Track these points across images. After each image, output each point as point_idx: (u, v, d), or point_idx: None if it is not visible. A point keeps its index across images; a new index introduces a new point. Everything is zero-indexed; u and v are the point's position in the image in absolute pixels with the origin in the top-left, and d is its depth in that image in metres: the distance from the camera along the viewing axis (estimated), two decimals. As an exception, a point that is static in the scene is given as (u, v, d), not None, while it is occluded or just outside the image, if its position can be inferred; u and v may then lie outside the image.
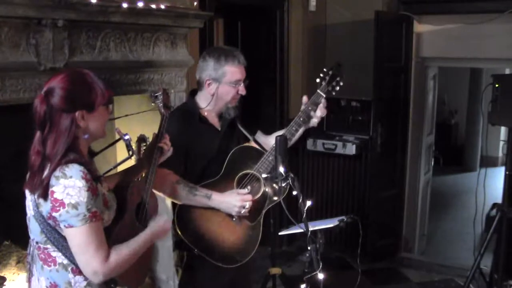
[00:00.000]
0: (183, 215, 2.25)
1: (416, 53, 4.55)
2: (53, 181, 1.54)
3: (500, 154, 7.39)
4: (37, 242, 1.66)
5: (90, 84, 1.63)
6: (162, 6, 2.68)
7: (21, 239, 1.69)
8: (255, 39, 4.55)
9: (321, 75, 2.37)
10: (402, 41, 4.40)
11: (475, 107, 7.89)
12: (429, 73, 4.76)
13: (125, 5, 2.45)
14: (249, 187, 2.29)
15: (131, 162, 2.03)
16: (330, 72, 2.36)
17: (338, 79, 2.39)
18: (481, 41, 4.23)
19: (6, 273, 2.59)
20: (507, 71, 6.72)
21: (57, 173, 1.54)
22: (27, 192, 1.65)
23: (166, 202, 2.83)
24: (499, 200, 3.46)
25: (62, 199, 1.52)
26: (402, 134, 4.60)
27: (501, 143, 3.68)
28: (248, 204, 2.25)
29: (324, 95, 2.36)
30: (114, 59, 2.61)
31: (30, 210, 1.64)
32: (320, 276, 1.91)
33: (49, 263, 1.65)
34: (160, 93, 2.04)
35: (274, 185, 2.31)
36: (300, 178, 4.77)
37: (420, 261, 4.67)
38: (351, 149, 4.47)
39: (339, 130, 4.68)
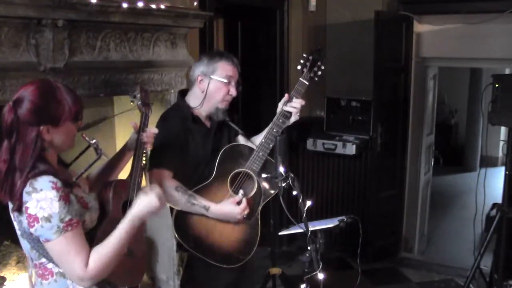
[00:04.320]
0: (181, 222, 2.25)
1: (416, 53, 4.55)
2: (25, 197, 1.54)
3: (500, 154, 7.39)
4: (32, 260, 1.67)
5: (59, 100, 1.61)
6: (162, 6, 2.68)
7: (21, 239, 1.70)
8: (255, 39, 4.55)
9: (302, 61, 2.34)
10: (402, 41, 4.40)
11: (475, 107, 7.89)
12: (429, 73, 4.76)
13: (125, 5, 2.45)
14: (242, 191, 2.28)
15: (101, 162, 2.03)
16: (311, 58, 2.33)
17: (319, 63, 2.35)
18: (481, 41, 4.23)
19: (6, 273, 2.59)
20: (507, 71, 6.72)
21: (28, 188, 1.53)
22: (10, 208, 1.63)
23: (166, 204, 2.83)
24: (499, 200, 3.47)
25: (35, 214, 1.52)
26: (402, 134, 4.60)
27: (501, 143, 3.68)
28: (246, 211, 2.26)
29: (307, 83, 2.33)
30: (114, 59, 2.61)
31: (17, 229, 1.65)
32: (320, 276, 1.91)
33: (47, 276, 1.65)
34: (137, 91, 2.04)
35: (267, 180, 2.31)
36: (300, 178, 4.77)
37: (420, 261, 4.67)
38: (351, 149, 4.47)
39: (339, 130, 4.68)
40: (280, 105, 2.35)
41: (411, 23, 4.40)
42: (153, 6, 2.63)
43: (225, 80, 2.32)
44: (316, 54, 2.34)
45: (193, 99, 2.38)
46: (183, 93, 2.46)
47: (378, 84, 4.25)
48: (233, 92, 2.35)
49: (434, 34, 4.47)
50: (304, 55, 2.34)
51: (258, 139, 2.46)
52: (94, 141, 1.83)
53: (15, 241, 2.59)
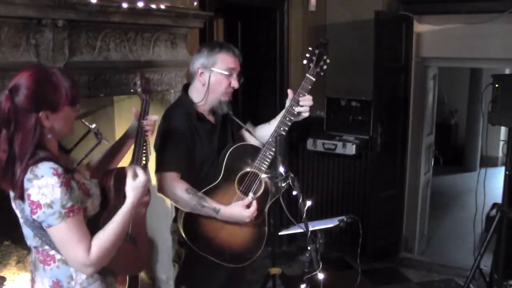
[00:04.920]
0: (190, 224, 2.23)
1: (416, 53, 4.55)
2: (27, 184, 1.54)
3: (500, 154, 7.39)
4: (34, 247, 1.67)
5: (55, 85, 1.60)
6: (162, 6, 2.68)
7: (21, 239, 1.70)
8: (255, 39, 4.55)
9: (308, 55, 2.26)
10: (402, 41, 4.39)
11: (475, 107, 7.90)
12: (429, 73, 4.76)
13: (125, 5, 2.46)
14: (251, 194, 2.26)
15: (102, 147, 2.02)
16: (317, 52, 2.25)
17: (325, 57, 2.27)
18: (481, 41, 4.23)
19: (6, 273, 2.60)
20: (507, 71, 6.72)
21: (29, 175, 1.53)
22: (11, 197, 1.63)
23: (166, 202, 2.83)
24: (499, 200, 3.46)
25: (38, 201, 1.53)
26: (402, 134, 4.60)
27: (501, 143, 3.68)
28: (255, 213, 2.25)
29: (314, 79, 2.26)
30: (114, 59, 2.61)
31: (19, 218, 1.65)
32: (320, 276, 1.91)
33: (49, 262, 1.66)
34: (138, 78, 2.03)
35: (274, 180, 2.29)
36: (300, 178, 4.77)
37: (420, 261, 4.66)
38: (351, 149, 4.47)
39: (339, 130, 4.68)
40: (288, 103, 2.30)
41: (411, 23, 4.40)
42: (153, 6, 2.63)
43: (226, 73, 2.27)
44: (322, 47, 2.28)
45: (196, 93, 2.33)
46: (186, 87, 2.41)
47: (378, 84, 4.25)
48: (235, 84, 2.30)
49: (434, 34, 4.47)
50: (310, 48, 2.27)
51: (264, 128, 2.45)
52: (94, 125, 1.82)
53: (15, 241, 2.61)
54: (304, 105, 2.27)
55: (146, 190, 1.75)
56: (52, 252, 1.65)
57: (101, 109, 3.13)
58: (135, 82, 2.03)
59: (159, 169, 2.21)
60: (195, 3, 3.03)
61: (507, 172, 3.31)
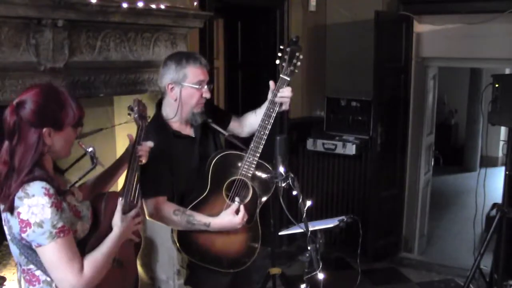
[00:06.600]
0: (184, 238, 2.25)
1: (416, 53, 4.55)
2: (17, 202, 1.53)
3: (500, 154, 7.38)
4: (20, 265, 1.67)
5: (62, 103, 1.62)
6: (162, 6, 2.68)
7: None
8: (255, 39, 4.55)
9: (279, 54, 2.25)
10: (402, 41, 4.40)
11: (475, 107, 7.89)
12: (429, 73, 4.75)
13: (125, 5, 2.46)
14: (237, 199, 2.25)
15: (97, 171, 2.02)
16: (288, 49, 2.24)
17: (297, 54, 2.25)
18: (481, 41, 4.23)
19: (6, 273, 2.60)
20: (507, 71, 6.72)
21: (20, 193, 1.53)
22: (0, 209, 1.62)
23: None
24: (499, 200, 3.47)
25: (27, 219, 1.52)
26: (402, 134, 4.60)
27: (501, 143, 3.68)
28: (245, 217, 2.25)
29: (289, 78, 2.26)
30: (114, 59, 2.61)
31: (7, 234, 1.64)
32: (320, 276, 1.91)
33: (34, 283, 1.65)
34: (135, 104, 2.06)
35: (262, 180, 2.28)
36: (300, 178, 4.77)
37: (420, 261, 4.67)
38: (351, 149, 4.47)
39: (339, 130, 4.68)
40: (269, 95, 2.32)
41: (411, 23, 4.40)
42: (153, 6, 2.63)
43: (197, 86, 2.24)
44: (293, 44, 2.26)
45: (169, 109, 2.29)
46: (160, 103, 2.35)
47: (378, 84, 4.25)
48: (207, 95, 2.27)
49: (434, 34, 4.47)
50: (281, 47, 2.26)
51: (252, 116, 2.48)
52: (90, 149, 1.83)
53: (15, 241, 2.60)
54: (283, 95, 2.28)
55: (135, 224, 1.80)
56: (37, 273, 1.63)
57: (100, 109, 3.13)
58: (132, 108, 2.05)
59: (144, 195, 2.18)
60: (195, 3, 3.03)
61: (507, 172, 3.31)
